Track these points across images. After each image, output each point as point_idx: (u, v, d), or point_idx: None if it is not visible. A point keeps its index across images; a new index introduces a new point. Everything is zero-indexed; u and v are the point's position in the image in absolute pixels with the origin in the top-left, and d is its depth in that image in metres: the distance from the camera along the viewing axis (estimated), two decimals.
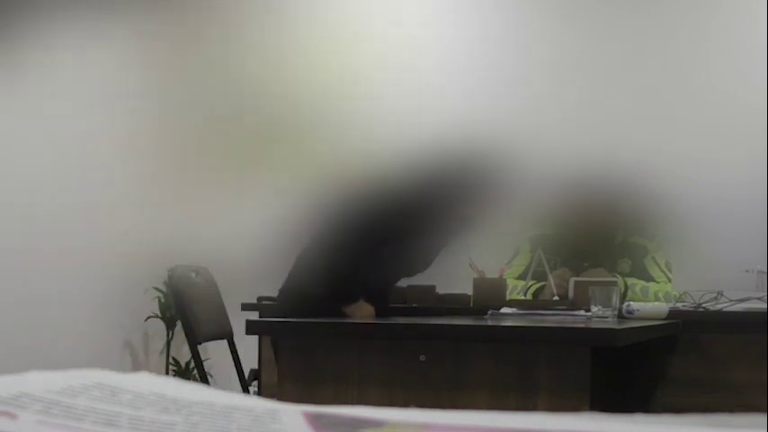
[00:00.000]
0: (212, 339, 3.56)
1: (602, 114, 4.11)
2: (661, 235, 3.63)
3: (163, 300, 5.23)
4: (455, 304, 3.57)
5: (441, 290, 3.77)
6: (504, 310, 3.16)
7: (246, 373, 3.67)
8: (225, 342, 3.62)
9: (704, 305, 3.26)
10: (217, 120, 4.85)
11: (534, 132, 3.92)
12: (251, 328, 2.54)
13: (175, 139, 4.94)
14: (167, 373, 5.22)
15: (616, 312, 2.95)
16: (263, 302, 3.74)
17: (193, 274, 3.55)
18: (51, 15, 5.05)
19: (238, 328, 3.01)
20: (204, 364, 3.56)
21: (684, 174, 3.93)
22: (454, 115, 3.93)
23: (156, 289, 5.21)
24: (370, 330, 2.49)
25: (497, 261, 3.46)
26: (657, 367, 3.18)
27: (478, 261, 3.23)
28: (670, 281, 3.53)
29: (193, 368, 4.69)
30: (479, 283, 3.19)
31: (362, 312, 3.09)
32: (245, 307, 3.69)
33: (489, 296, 3.16)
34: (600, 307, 2.92)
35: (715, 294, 3.27)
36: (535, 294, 3.47)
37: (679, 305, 3.33)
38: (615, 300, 2.95)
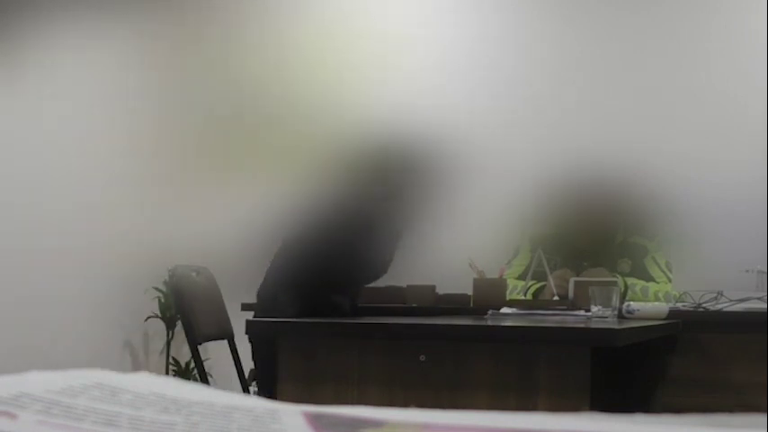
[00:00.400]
0: (212, 339, 3.55)
1: (603, 114, 4.11)
2: (661, 235, 3.63)
3: (163, 300, 5.23)
4: (455, 304, 3.57)
5: (441, 290, 3.77)
6: (504, 310, 3.16)
7: (246, 373, 3.67)
8: (225, 342, 3.62)
9: (704, 305, 3.26)
10: (217, 120, 4.84)
11: (534, 132, 3.92)
12: (251, 328, 2.54)
13: (175, 139, 4.94)
14: (167, 373, 5.22)
15: (616, 312, 2.95)
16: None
17: (194, 274, 3.54)
18: (51, 15, 5.05)
19: (238, 328, 3.01)
20: (204, 364, 3.55)
21: (684, 174, 3.93)
22: (454, 115, 3.93)
23: (156, 289, 5.21)
24: (370, 330, 2.49)
25: (497, 261, 3.47)
26: (657, 367, 3.18)
27: (478, 261, 3.23)
28: (670, 281, 3.53)
29: (193, 368, 4.69)
30: (479, 284, 3.19)
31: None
32: (245, 307, 3.69)
33: (489, 296, 3.16)
34: (600, 307, 2.91)
35: (715, 294, 3.27)
36: (535, 294, 3.47)
37: (679, 305, 3.33)
38: (615, 300, 2.94)
